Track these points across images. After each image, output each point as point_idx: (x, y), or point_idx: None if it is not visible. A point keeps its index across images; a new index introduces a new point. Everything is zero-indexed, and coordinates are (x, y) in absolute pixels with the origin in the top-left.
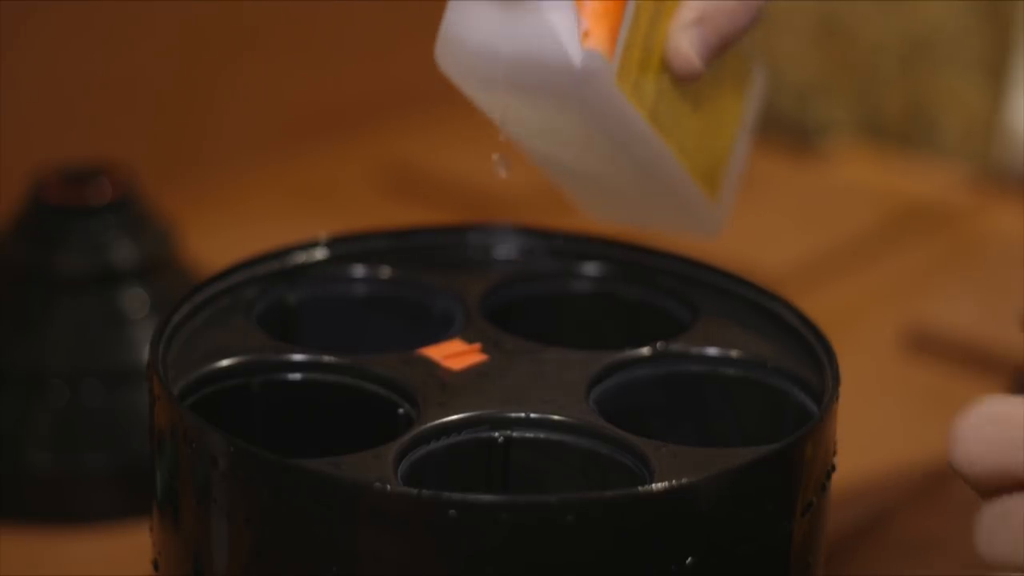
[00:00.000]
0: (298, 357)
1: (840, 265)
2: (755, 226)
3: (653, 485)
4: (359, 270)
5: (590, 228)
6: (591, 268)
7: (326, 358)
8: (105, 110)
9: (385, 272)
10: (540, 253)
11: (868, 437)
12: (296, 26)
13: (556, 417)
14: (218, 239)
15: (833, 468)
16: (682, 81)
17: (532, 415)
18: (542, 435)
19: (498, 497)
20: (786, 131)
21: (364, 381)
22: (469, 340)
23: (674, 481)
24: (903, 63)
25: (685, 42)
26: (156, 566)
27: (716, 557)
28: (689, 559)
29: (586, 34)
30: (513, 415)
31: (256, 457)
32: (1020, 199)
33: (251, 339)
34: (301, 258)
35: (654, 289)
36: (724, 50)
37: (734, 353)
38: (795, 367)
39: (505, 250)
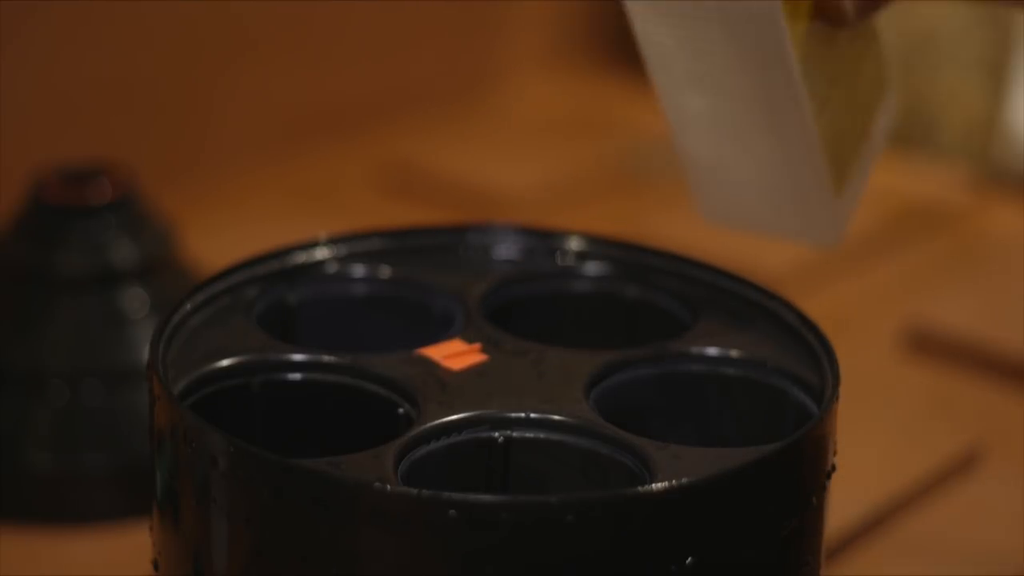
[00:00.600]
0: (298, 357)
1: (840, 265)
2: None
3: (653, 485)
4: (359, 270)
5: (590, 228)
6: (591, 268)
7: (326, 358)
8: (105, 110)
9: (385, 272)
10: (540, 253)
11: (868, 437)
12: (296, 26)
13: (556, 417)
14: (218, 239)
15: (833, 468)
16: (831, 23)
17: (532, 415)
18: (542, 435)
19: (498, 497)
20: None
21: (364, 381)
22: (469, 340)
23: (674, 481)
24: (903, 63)
25: None
26: (156, 566)
27: (716, 557)
28: (689, 559)
29: None
30: (513, 415)
31: (256, 457)
32: (1020, 199)
33: (251, 339)
34: (301, 258)
35: (654, 289)
36: (875, 9)
37: (734, 353)
38: (795, 367)
39: (505, 250)
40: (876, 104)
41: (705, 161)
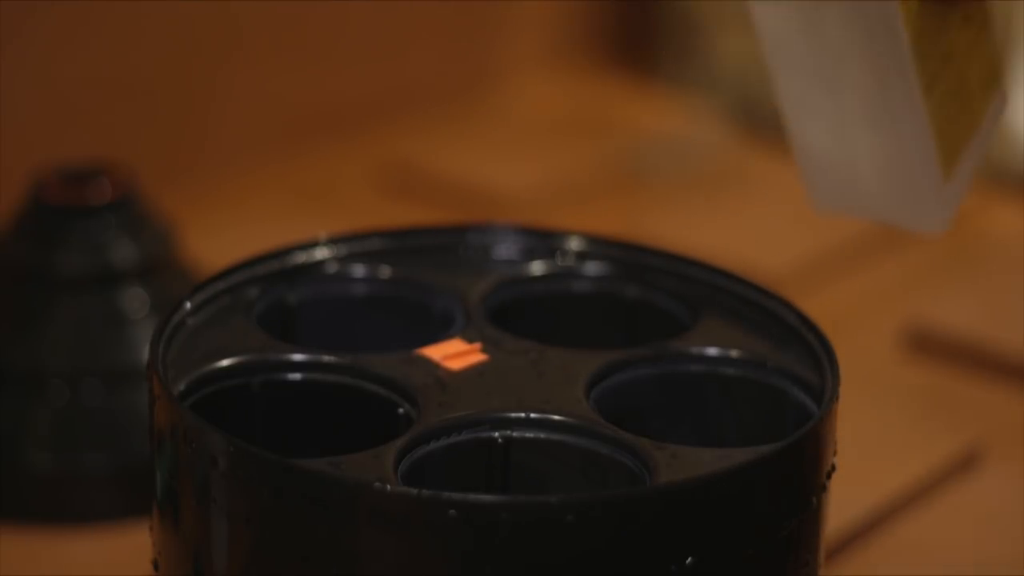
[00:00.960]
0: (298, 357)
1: (840, 265)
2: (755, 226)
3: (653, 485)
4: (359, 270)
5: (590, 228)
6: (591, 268)
7: (326, 358)
8: (105, 110)
9: (385, 272)
10: (540, 253)
11: (868, 437)
12: (296, 26)
13: (556, 417)
14: (218, 239)
15: (833, 468)
16: (942, 1)
17: (532, 415)
18: (542, 435)
19: (498, 497)
20: (786, 131)
21: (364, 381)
22: (469, 340)
23: (674, 481)
24: None
25: None
26: (156, 566)
27: (716, 557)
28: (689, 559)
29: None
30: (513, 415)
31: (256, 457)
32: (1020, 199)
33: (251, 339)
34: (301, 258)
35: (654, 289)
36: None
37: (734, 353)
38: (795, 367)
39: (505, 250)
40: (987, 94)
41: (817, 148)
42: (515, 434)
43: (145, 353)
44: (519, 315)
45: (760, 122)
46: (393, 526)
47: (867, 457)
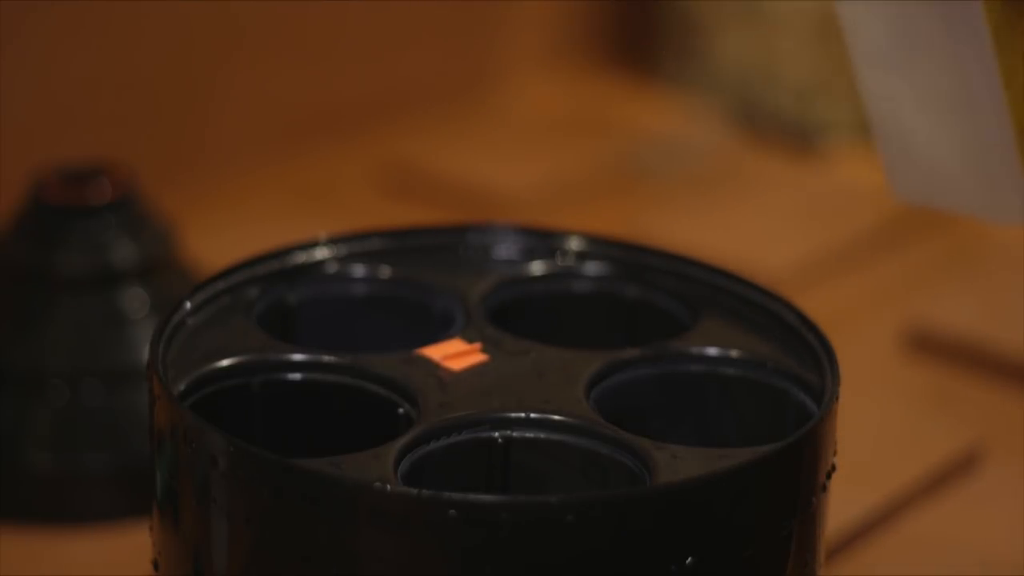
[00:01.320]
0: (298, 357)
1: (840, 265)
2: (755, 226)
3: (653, 485)
4: (359, 270)
5: (590, 228)
6: (591, 268)
7: (326, 358)
8: (105, 110)
9: (385, 272)
10: (540, 253)
11: (868, 437)
12: (296, 26)
13: (556, 417)
14: (218, 239)
15: (833, 468)
16: None
17: (532, 415)
18: (542, 435)
19: (498, 497)
20: (786, 131)
21: (364, 381)
22: (469, 340)
23: (674, 481)
24: None
25: None
26: (156, 566)
27: (716, 557)
28: (689, 559)
29: None
30: (513, 415)
31: (256, 457)
32: None
33: (251, 339)
34: (301, 258)
35: (654, 289)
36: None
37: (734, 353)
38: (795, 367)
39: (505, 250)
40: None
41: (898, 139)
42: (515, 434)
43: (145, 353)
44: (519, 315)
45: (760, 122)
46: (393, 526)
47: (867, 457)
